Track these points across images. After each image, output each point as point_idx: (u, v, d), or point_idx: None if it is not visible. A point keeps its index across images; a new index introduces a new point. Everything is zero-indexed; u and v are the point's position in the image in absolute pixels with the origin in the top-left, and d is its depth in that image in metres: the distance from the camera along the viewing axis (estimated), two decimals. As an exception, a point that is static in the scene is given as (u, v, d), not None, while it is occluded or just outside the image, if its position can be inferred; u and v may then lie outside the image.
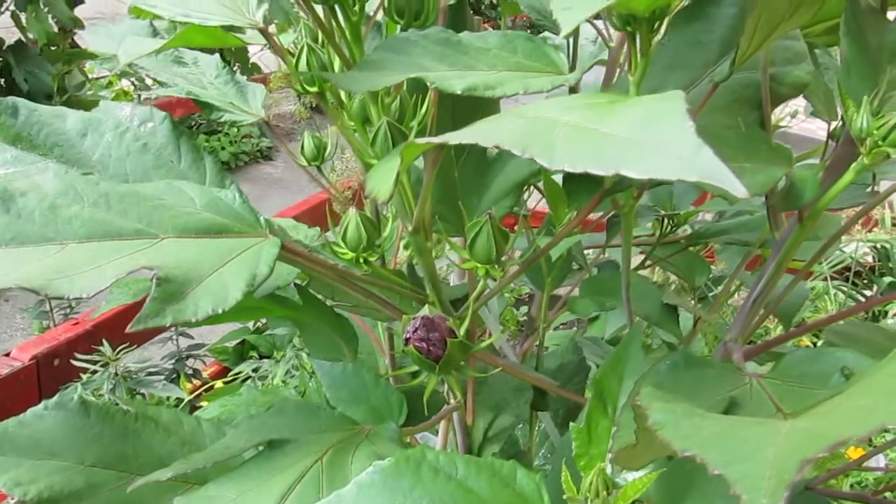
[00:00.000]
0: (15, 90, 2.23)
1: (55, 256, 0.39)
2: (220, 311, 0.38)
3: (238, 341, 1.32)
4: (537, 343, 0.77)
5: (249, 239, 0.43)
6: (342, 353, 0.75)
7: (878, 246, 1.81)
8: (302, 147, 0.60)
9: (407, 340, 0.47)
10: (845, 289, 1.73)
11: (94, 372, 0.91)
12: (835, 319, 0.60)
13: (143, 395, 0.92)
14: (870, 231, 1.85)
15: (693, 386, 0.35)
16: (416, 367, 0.49)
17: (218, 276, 0.40)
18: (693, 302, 0.73)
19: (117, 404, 0.84)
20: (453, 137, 0.26)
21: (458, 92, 0.35)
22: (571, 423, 0.39)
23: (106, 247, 0.40)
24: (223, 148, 4.00)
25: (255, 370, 1.12)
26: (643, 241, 0.77)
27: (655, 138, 0.23)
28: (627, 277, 0.52)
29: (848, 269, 1.79)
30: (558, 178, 0.51)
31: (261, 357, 1.29)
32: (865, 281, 1.82)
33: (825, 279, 1.75)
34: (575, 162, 0.23)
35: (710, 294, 0.94)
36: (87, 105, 2.44)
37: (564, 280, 0.71)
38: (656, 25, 0.39)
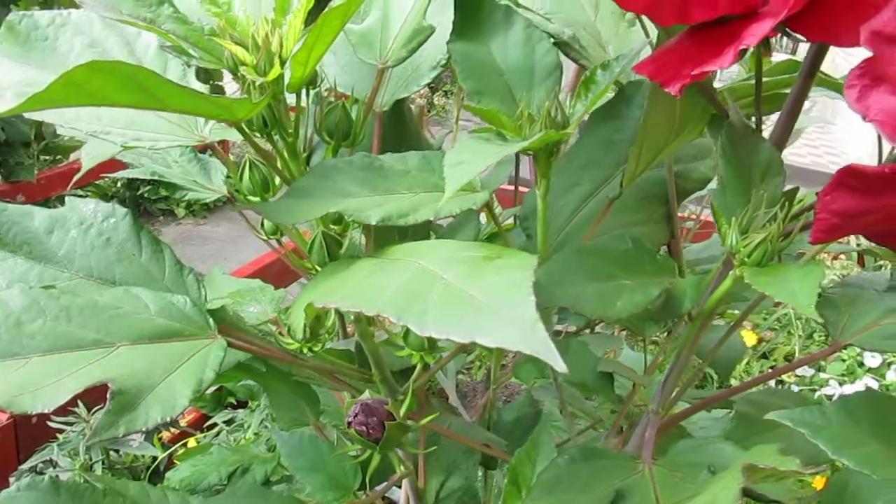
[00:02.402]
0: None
1: (19, 372, 0.43)
2: (168, 419, 0.42)
3: (216, 388, 1.35)
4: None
5: (199, 341, 0.48)
6: (306, 416, 0.79)
7: (841, 277, 1.87)
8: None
9: (349, 424, 0.52)
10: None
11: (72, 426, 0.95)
12: (747, 387, 0.64)
13: (117, 452, 0.96)
14: (835, 259, 1.91)
15: (588, 478, 0.39)
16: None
17: (168, 383, 0.44)
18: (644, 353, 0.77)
19: (91, 467, 0.87)
20: (342, 303, 0.30)
21: (373, 223, 0.40)
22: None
23: (66, 359, 0.44)
24: (203, 187, 4.02)
25: (230, 421, 1.15)
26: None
27: (506, 309, 0.27)
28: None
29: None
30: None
31: (237, 404, 1.32)
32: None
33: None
34: (440, 331, 0.28)
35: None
36: (66, 150, 2.48)
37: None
38: (555, 150, 0.43)
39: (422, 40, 0.48)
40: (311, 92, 0.68)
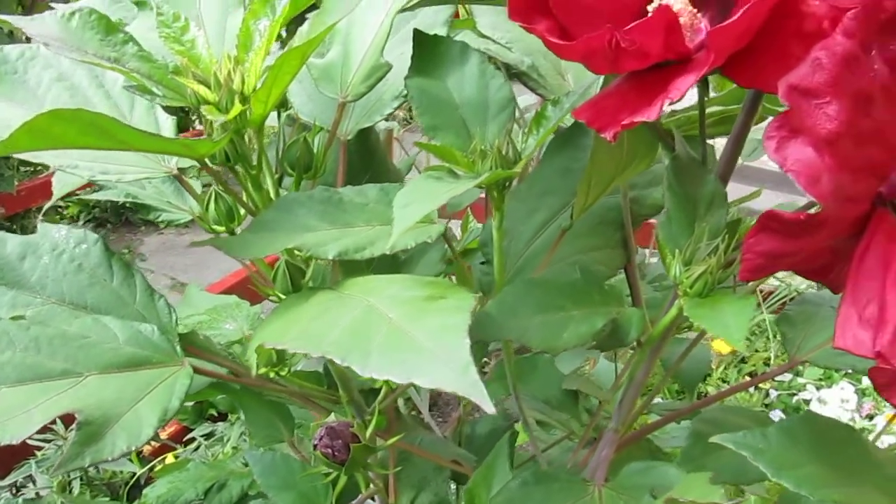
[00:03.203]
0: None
1: (-12, 403, 0.44)
2: (133, 448, 0.43)
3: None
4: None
5: (167, 369, 0.49)
6: (280, 432, 0.81)
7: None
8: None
9: (315, 446, 0.53)
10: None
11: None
12: (706, 404, 0.66)
13: (96, 468, 0.97)
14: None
15: (541, 501, 0.41)
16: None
17: (134, 412, 0.45)
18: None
19: (69, 483, 0.88)
20: (291, 345, 0.32)
21: (331, 258, 0.41)
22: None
23: (35, 389, 0.46)
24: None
25: (209, 434, 1.16)
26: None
27: (442, 351, 0.29)
28: (510, 365, 0.58)
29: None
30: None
31: (219, 415, 1.33)
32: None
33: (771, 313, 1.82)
34: (381, 373, 0.29)
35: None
36: (50, 160, 2.48)
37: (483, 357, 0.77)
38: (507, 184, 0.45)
39: (379, 76, 0.49)
40: (283, 115, 0.70)
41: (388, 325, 0.32)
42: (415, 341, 0.30)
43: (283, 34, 0.62)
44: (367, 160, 0.63)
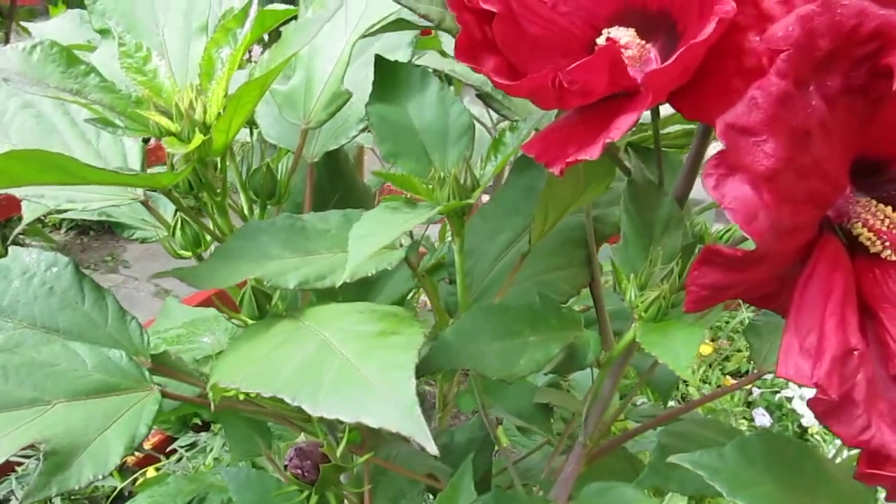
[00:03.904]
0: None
1: (-44, 434, 0.44)
2: (100, 476, 0.44)
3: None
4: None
5: (135, 395, 0.49)
6: (258, 446, 0.81)
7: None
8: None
9: (285, 467, 0.54)
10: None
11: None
12: (684, 411, 0.67)
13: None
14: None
15: (502, 523, 0.42)
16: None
17: (102, 440, 0.46)
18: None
19: (50, 499, 0.88)
20: (243, 384, 0.32)
21: (291, 288, 0.42)
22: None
23: (3, 419, 0.46)
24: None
25: (192, 445, 1.17)
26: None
27: (389, 390, 0.30)
28: (478, 381, 0.59)
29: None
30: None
31: (203, 424, 1.34)
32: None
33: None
34: (330, 412, 0.30)
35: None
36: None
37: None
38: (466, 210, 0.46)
39: (340, 105, 0.50)
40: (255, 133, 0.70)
41: (340, 361, 0.32)
42: (364, 379, 0.31)
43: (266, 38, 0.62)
44: (336, 180, 0.64)
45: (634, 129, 0.57)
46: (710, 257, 0.32)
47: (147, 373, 0.51)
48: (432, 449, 0.27)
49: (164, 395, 0.50)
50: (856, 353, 0.33)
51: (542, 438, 0.87)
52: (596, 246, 0.56)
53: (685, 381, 1.64)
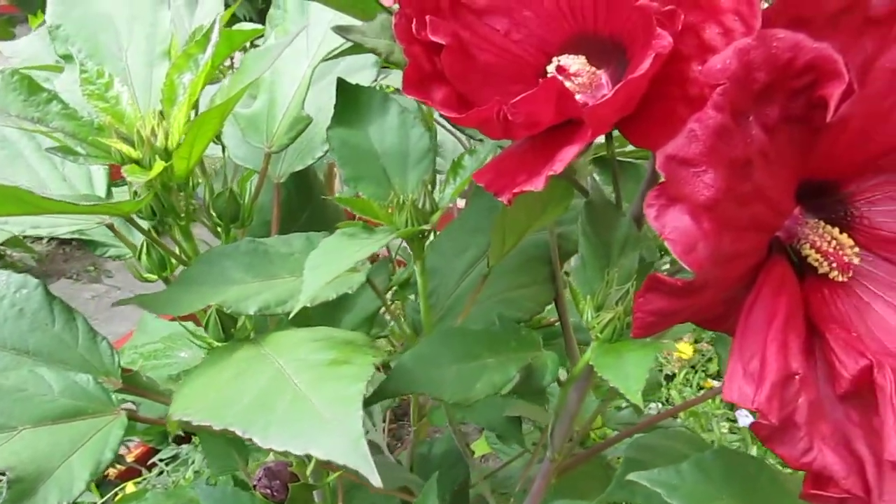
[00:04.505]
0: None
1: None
2: (66, 503, 0.44)
3: (163, 421, 1.36)
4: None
5: (102, 419, 0.50)
6: (235, 462, 0.82)
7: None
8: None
9: (255, 487, 0.54)
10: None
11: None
12: (661, 418, 0.68)
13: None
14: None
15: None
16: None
17: (67, 465, 0.46)
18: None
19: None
20: (195, 417, 0.33)
21: (252, 313, 0.42)
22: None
23: (-31, 446, 0.46)
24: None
25: (174, 457, 1.17)
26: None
27: (338, 422, 0.30)
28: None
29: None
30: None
31: (185, 436, 1.34)
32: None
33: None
34: (280, 445, 0.30)
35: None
36: None
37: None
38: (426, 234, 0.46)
39: (301, 129, 0.50)
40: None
41: (293, 393, 0.33)
42: (314, 412, 0.31)
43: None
44: (306, 198, 0.64)
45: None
46: (654, 285, 0.33)
47: (114, 396, 0.51)
48: (376, 482, 0.28)
49: (132, 418, 0.50)
50: (797, 377, 0.33)
51: (519, 448, 0.88)
52: (561, 262, 0.56)
53: (668, 383, 1.65)
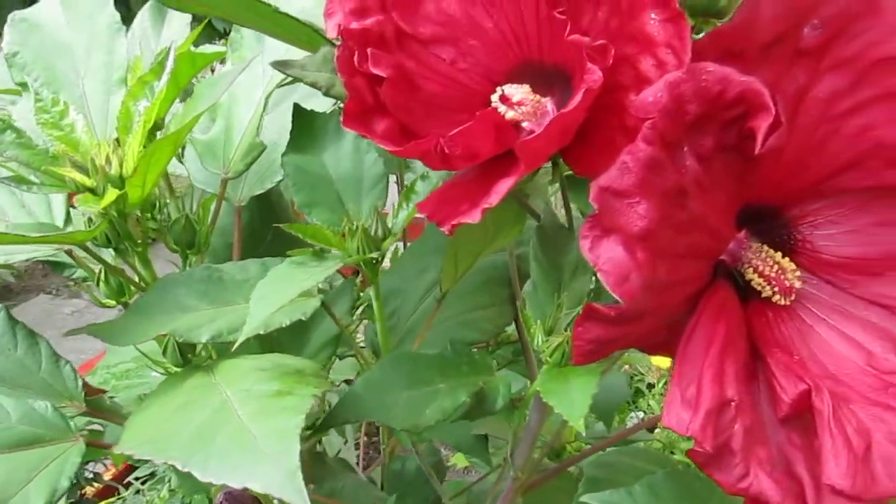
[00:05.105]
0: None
1: None
2: (20, 535, 0.44)
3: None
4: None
5: (60, 446, 0.50)
6: (206, 484, 0.82)
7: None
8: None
9: (217, 510, 0.55)
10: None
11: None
12: (632, 432, 0.68)
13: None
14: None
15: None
16: None
17: (24, 494, 0.46)
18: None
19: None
20: (137, 451, 0.33)
21: (203, 342, 0.42)
22: None
23: (-75, 475, 0.46)
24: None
25: (152, 475, 1.17)
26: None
27: (275, 455, 0.31)
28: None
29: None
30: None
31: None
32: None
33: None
34: (219, 478, 0.30)
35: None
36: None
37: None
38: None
39: (256, 156, 0.51)
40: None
41: (235, 425, 0.33)
42: (254, 445, 0.32)
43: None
44: (269, 220, 0.64)
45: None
46: (590, 314, 0.33)
47: (72, 422, 0.51)
48: (307, 517, 0.28)
49: (90, 444, 0.50)
50: (733, 404, 0.34)
51: (496, 461, 0.88)
52: (521, 283, 0.57)
53: (649, 392, 1.66)
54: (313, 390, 0.34)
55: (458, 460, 1.54)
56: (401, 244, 0.82)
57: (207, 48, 0.74)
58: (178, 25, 0.71)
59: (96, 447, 0.52)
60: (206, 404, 0.37)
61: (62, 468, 0.47)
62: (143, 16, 0.73)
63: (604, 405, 0.84)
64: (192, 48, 0.62)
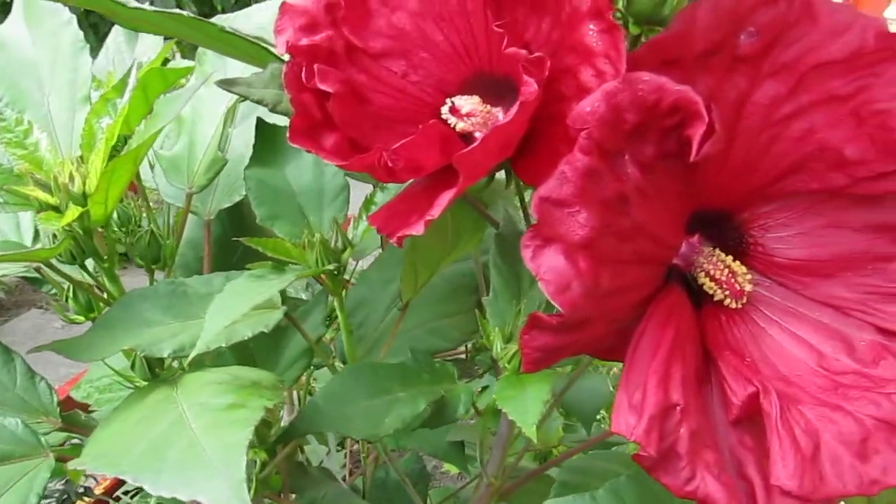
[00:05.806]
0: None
1: None
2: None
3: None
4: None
5: (30, 462, 0.50)
6: None
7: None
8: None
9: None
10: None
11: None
12: (601, 438, 0.68)
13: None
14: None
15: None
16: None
17: (-8, 511, 0.46)
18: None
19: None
20: (92, 465, 0.34)
21: (166, 356, 0.43)
22: None
23: None
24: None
25: (139, 489, 1.17)
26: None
27: (224, 468, 0.31)
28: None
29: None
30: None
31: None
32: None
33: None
34: (170, 492, 0.31)
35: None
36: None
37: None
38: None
39: (218, 170, 0.51)
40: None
41: (188, 439, 0.34)
42: (204, 458, 0.32)
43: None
44: (240, 231, 0.65)
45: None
46: (535, 322, 0.34)
47: (44, 439, 0.52)
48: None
49: (60, 460, 0.51)
50: (678, 408, 0.34)
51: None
52: (487, 291, 0.57)
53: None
54: (266, 402, 0.35)
55: (451, 467, 1.55)
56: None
57: (180, 63, 0.74)
58: (152, 41, 0.72)
59: (66, 463, 0.52)
60: (163, 418, 0.37)
61: (31, 484, 0.48)
62: (117, 31, 0.73)
63: (582, 408, 0.84)
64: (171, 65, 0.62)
